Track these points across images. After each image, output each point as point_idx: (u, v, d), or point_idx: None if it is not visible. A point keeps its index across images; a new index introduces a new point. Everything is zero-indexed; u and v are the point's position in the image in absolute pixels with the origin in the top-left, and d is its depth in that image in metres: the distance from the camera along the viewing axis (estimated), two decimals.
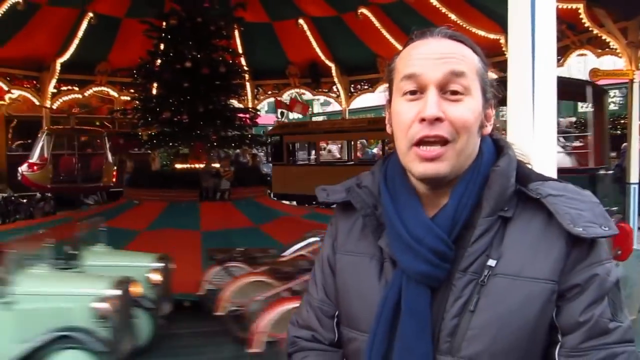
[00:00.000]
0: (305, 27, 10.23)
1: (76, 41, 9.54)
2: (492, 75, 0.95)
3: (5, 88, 10.51)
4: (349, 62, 10.87)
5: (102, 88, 11.59)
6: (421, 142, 0.90)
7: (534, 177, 0.93)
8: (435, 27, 0.96)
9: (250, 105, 11.96)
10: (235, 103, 9.85)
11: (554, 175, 2.11)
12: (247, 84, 11.73)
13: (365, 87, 11.16)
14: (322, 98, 15.30)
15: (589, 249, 0.86)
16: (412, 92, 0.92)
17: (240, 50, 10.52)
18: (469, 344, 0.86)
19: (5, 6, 8.20)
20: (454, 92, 0.90)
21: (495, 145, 0.98)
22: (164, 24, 8.15)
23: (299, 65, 11.67)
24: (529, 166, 0.99)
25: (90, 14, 9.24)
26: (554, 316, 0.86)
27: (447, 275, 0.89)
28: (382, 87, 10.96)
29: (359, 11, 9.45)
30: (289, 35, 10.32)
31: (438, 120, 0.89)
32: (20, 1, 8.03)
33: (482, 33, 8.74)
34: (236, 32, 10.25)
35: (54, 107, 11.15)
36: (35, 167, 10.64)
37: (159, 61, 8.31)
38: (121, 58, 9.91)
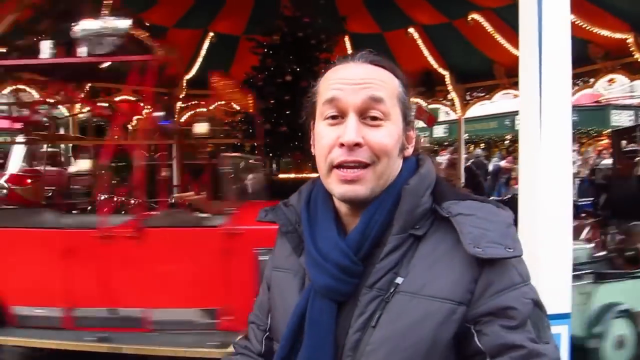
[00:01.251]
0: (416, 35, 10.01)
1: (199, 59, 10.37)
2: (414, 99, 0.96)
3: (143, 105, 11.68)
4: (463, 69, 10.40)
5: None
6: (341, 165, 0.95)
7: (450, 196, 0.95)
8: (358, 52, 1.01)
9: None
10: None
11: (568, 186, 2.10)
12: None
13: (482, 94, 10.57)
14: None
15: (500, 271, 0.86)
16: (334, 117, 0.97)
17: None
18: (367, 359, 0.89)
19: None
20: (374, 118, 0.95)
21: (417, 165, 1.02)
22: (268, 39, 8.59)
23: (412, 74, 11.39)
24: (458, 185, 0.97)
25: (211, 34, 10.04)
26: (475, 339, 0.86)
27: (354, 290, 0.92)
28: (500, 94, 10.35)
29: (470, 17, 9.02)
30: (400, 44, 10.17)
31: (357, 145, 0.93)
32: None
33: (605, 33, 7.83)
34: (347, 44, 10.44)
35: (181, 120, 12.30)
36: None
37: (262, 75, 8.78)
38: (241, 73, 10.65)
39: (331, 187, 0.98)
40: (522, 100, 2.28)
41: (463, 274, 0.86)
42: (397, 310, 0.88)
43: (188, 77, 10.91)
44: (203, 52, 10.32)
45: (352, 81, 0.95)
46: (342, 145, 0.93)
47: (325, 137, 0.96)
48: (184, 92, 11.25)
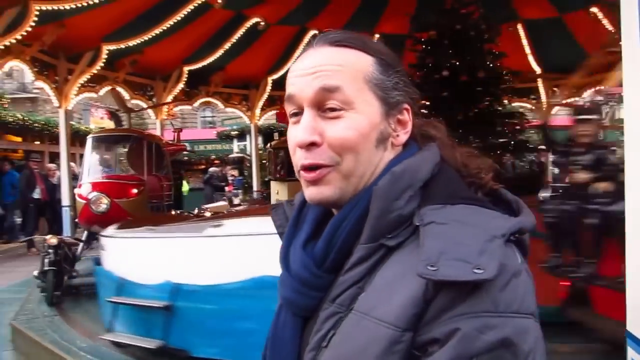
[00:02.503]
0: (601, 15, 8.91)
1: (293, 58, 10.67)
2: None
3: (222, 106, 12.20)
4: None
5: None
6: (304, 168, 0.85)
7: (439, 197, 0.79)
8: (320, 35, 0.89)
9: (545, 108, 11.03)
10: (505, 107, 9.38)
11: None
12: (540, 85, 10.91)
13: None
14: None
15: (462, 294, 0.68)
16: (295, 114, 0.86)
17: (528, 50, 9.92)
18: None
19: (245, 27, 9.39)
20: (332, 109, 0.82)
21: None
22: (425, 35, 8.46)
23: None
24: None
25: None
26: None
27: (317, 304, 0.83)
28: None
29: None
30: (583, 27, 9.17)
31: (314, 144, 0.82)
32: (261, 22, 9.26)
33: None
34: (521, 32, 9.74)
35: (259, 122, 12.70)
36: None
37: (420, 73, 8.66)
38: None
39: (303, 190, 0.87)
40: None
41: (416, 295, 0.70)
42: (346, 332, 0.76)
43: (274, 77, 11.10)
44: (298, 51, 10.50)
45: (304, 72, 0.83)
46: (299, 146, 0.83)
47: (290, 138, 0.86)
48: (268, 93, 11.62)
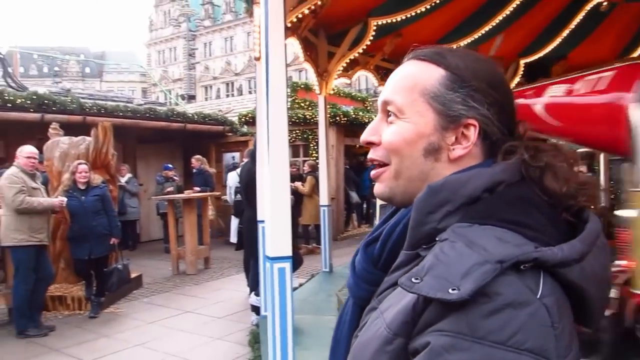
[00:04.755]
0: None
1: None
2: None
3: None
4: None
5: None
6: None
7: (473, 216, 0.78)
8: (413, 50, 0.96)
9: None
10: None
11: None
12: None
13: None
14: None
15: (443, 312, 0.69)
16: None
17: None
18: None
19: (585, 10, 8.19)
20: (390, 115, 0.91)
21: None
22: None
23: None
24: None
25: None
26: None
27: (371, 296, 0.90)
28: None
29: None
30: None
31: (373, 143, 0.93)
32: (604, 2, 7.96)
33: None
34: None
35: None
36: None
37: None
38: None
39: None
40: None
41: (408, 305, 0.74)
42: (369, 325, 0.84)
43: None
44: None
45: (387, 82, 0.95)
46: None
47: None
48: None
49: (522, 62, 10.00)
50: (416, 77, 0.89)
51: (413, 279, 0.72)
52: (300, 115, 12.65)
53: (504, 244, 0.72)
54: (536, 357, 0.66)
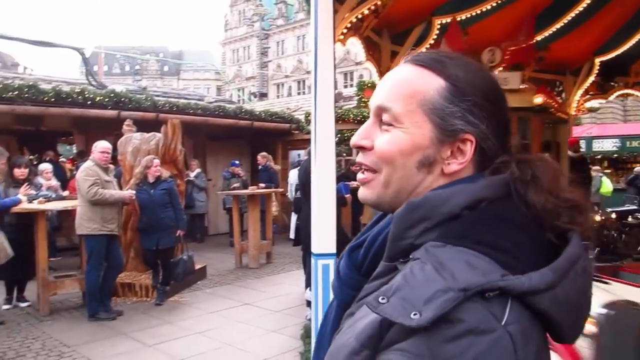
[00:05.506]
0: None
1: None
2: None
3: None
4: None
5: None
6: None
7: (448, 235, 0.78)
8: (413, 53, 0.95)
9: None
10: None
11: None
12: None
13: None
14: None
15: (407, 333, 0.70)
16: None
17: None
18: None
19: None
20: (385, 123, 0.88)
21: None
22: None
23: None
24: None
25: None
26: None
27: (352, 300, 0.91)
28: None
29: None
30: None
31: (364, 148, 0.91)
32: None
33: None
34: None
35: None
36: None
37: None
38: None
39: None
40: None
41: (375, 320, 0.75)
42: (342, 331, 0.86)
43: None
44: None
45: (380, 85, 0.93)
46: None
47: None
48: None
49: (598, 60, 9.54)
50: (415, 85, 0.86)
51: (380, 299, 0.72)
52: (367, 114, 12.60)
53: (472, 270, 0.72)
54: None
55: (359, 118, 12.32)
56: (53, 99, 9.40)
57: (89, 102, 9.78)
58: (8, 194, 6.25)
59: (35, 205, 6.54)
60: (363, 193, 0.92)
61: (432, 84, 0.86)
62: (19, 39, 13.07)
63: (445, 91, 0.85)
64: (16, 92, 8.91)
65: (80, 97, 9.73)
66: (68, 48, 13.06)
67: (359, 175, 0.93)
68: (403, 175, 0.87)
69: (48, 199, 7.13)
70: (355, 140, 0.91)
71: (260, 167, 11.09)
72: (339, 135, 11.96)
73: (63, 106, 9.54)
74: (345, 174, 9.82)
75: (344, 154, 13.72)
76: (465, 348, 0.67)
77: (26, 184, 6.44)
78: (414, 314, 0.68)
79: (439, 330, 0.68)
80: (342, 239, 3.33)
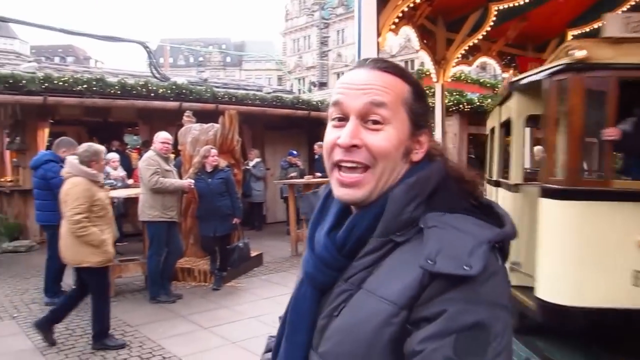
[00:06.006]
0: None
1: None
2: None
3: None
4: None
5: None
6: (340, 166, 1.01)
7: (442, 206, 0.95)
8: (370, 59, 1.07)
9: None
10: None
11: None
12: None
13: None
14: None
15: (452, 284, 0.84)
16: (339, 119, 1.02)
17: None
18: (324, 343, 0.95)
19: None
20: (375, 122, 0.98)
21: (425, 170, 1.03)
22: None
23: None
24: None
25: None
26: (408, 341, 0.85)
27: (333, 281, 0.99)
28: None
29: None
30: None
31: (355, 147, 0.98)
32: None
33: None
34: None
35: None
36: None
37: None
38: None
39: (332, 187, 1.04)
40: None
41: (415, 281, 0.86)
42: (355, 305, 0.92)
43: None
44: None
45: (355, 86, 1.00)
46: (339, 146, 1.00)
47: (328, 137, 1.03)
48: None
49: None
50: (396, 87, 1.01)
51: (429, 261, 0.85)
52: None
53: (482, 228, 0.91)
54: (507, 311, 0.88)
55: None
56: (119, 92, 9.86)
57: (152, 95, 10.19)
58: None
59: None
60: (353, 194, 1.00)
61: (404, 87, 1.02)
62: (90, 35, 13.68)
63: (412, 93, 1.03)
64: (85, 86, 9.41)
65: (144, 89, 10.15)
66: (133, 42, 13.56)
67: (343, 177, 1.01)
68: (393, 166, 1.01)
69: (113, 187, 7.52)
70: (348, 140, 0.98)
71: (316, 156, 11.19)
72: None
73: (128, 98, 10.01)
74: None
75: None
76: (492, 287, 0.86)
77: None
78: (465, 266, 0.84)
79: (477, 276, 0.84)
80: None
